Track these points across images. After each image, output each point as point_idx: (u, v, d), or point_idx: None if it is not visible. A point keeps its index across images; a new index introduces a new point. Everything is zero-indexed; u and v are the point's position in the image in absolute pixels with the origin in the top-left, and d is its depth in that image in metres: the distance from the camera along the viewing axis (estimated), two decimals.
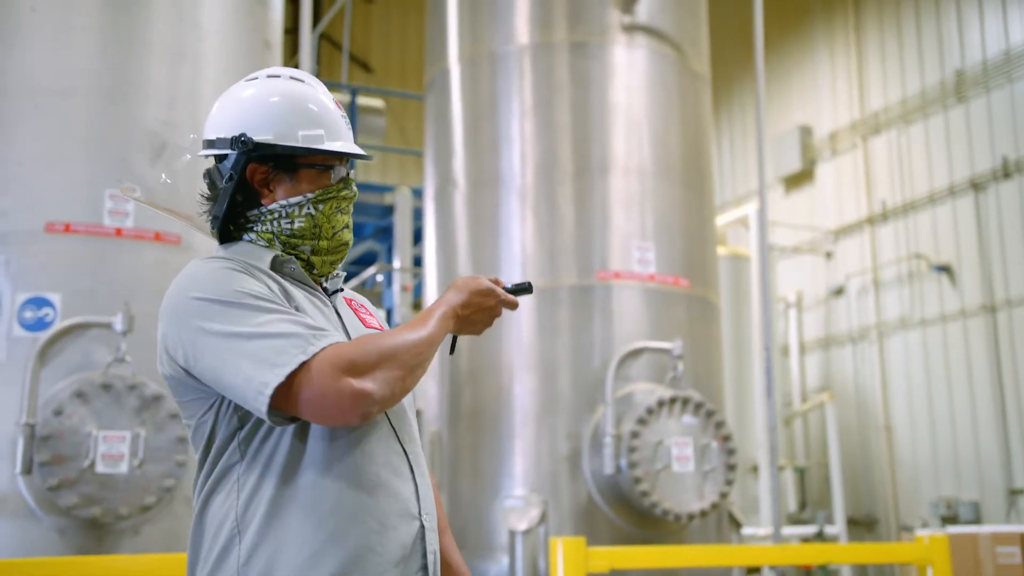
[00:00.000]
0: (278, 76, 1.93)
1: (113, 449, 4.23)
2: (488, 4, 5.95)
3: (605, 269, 5.40)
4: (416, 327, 1.77)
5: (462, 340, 5.33)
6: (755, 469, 10.15)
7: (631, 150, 5.61)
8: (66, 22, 4.74)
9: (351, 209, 1.97)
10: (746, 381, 10.18)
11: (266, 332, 1.66)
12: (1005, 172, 10.10)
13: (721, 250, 9.56)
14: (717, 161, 14.02)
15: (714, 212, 6.20)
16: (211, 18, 5.09)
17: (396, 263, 9.13)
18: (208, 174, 1.90)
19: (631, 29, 5.74)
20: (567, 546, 4.05)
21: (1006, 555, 5.81)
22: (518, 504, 5.15)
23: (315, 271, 1.93)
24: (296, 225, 1.89)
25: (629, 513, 5.09)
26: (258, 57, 5.46)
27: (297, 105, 1.88)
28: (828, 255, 12.36)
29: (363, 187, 9.05)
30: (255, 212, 1.89)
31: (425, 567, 1.80)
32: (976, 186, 10.37)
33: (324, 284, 1.97)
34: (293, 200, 1.88)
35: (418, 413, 3.32)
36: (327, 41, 14.96)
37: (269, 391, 1.62)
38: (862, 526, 11.42)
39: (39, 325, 4.41)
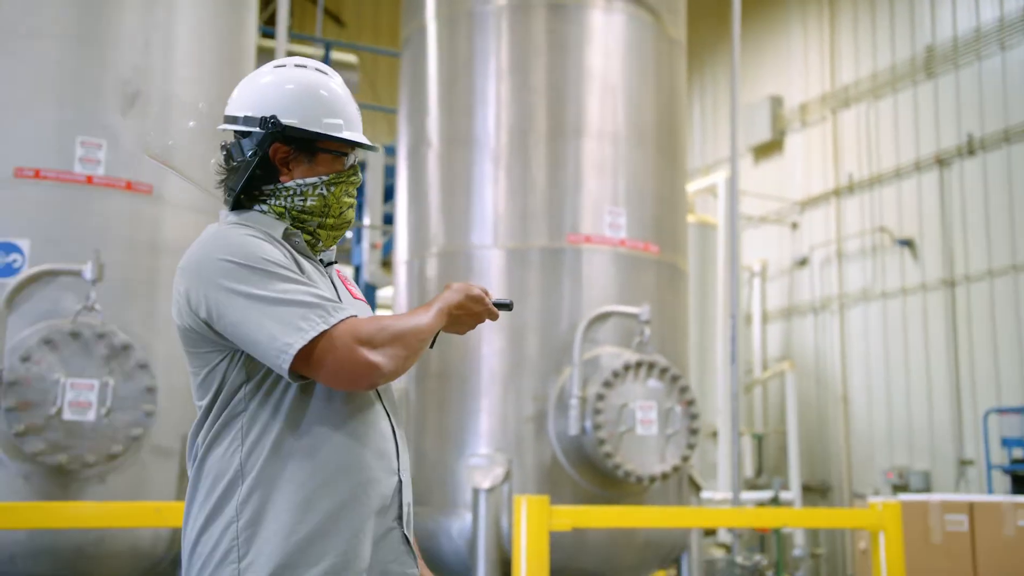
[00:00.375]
0: (304, 67, 2.12)
1: (81, 397, 4.22)
2: None
3: (576, 233, 5.43)
4: (420, 315, 1.97)
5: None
6: (714, 435, 10.32)
7: (606, 115, 5.62)
8: None
9: (356, 192, 2.16)
10: (708, 348, 10.30)
11: (290, 299, 1.85)
12: (970, 149, 10.24)
13: (689, 218, 9.62)
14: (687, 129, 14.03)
15: (686, 179, 6.24)
16: None
17: (366, 220, 9.09)
18: (226, 147, 2.08)
19: None
20: (531, 504, 4.12)
21: (954, 523, 5.99)
22: (483, 462, 5.20)
23: (320, 244, 2.12)
24: (308, 203, 2.08)
25: (592, 474, 5.17)
26: (233, 6, 5.39)
27: (321, 95, 2.08)
28: (794, 225, 12.48)
29: None
30: (271, 187, 2.07)
31: (400, 517, 2.00)
32: (941, 162, 10.51)
33: (320, 256, 2.15)
34: (309, 180, 2.07)
35: None
36: None
37: (293, 351, 1.81)
38: (816, 492, 11.66)
39: (7, 271, 4.37)
